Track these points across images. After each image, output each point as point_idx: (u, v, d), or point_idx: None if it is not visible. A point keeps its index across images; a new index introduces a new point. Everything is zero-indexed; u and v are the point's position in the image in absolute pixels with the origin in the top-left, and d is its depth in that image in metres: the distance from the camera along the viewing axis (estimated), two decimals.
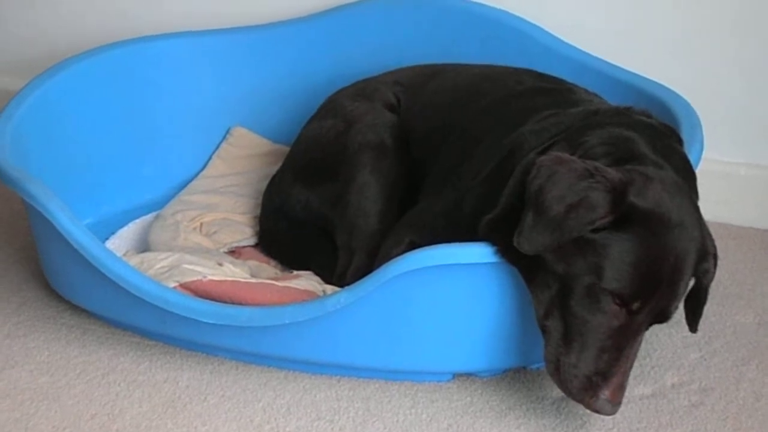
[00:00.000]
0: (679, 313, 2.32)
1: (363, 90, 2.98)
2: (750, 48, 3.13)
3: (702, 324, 2.41)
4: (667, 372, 2.57)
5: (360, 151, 2.79)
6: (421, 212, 2.68)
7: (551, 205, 2.19)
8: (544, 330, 2.28)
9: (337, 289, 2.63)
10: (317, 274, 2.79)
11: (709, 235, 2.32)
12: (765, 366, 2.59)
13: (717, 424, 2.41)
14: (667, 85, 2.93)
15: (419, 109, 2.88)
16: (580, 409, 2.39)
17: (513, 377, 2.55)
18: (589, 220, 2.17)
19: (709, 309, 2.40)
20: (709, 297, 2.35)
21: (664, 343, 2.66)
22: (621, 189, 2.18)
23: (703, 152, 2.65)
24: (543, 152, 2.35)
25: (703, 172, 2.49)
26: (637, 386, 2.50)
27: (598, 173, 2.19)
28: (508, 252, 2.29)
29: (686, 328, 2.41)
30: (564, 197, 2.18)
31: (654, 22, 3.20)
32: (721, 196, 3.05)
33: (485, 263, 2.33)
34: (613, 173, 2.20)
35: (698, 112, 2.77)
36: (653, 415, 2.43)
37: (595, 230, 2.19)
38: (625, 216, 2.18)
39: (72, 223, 2.52)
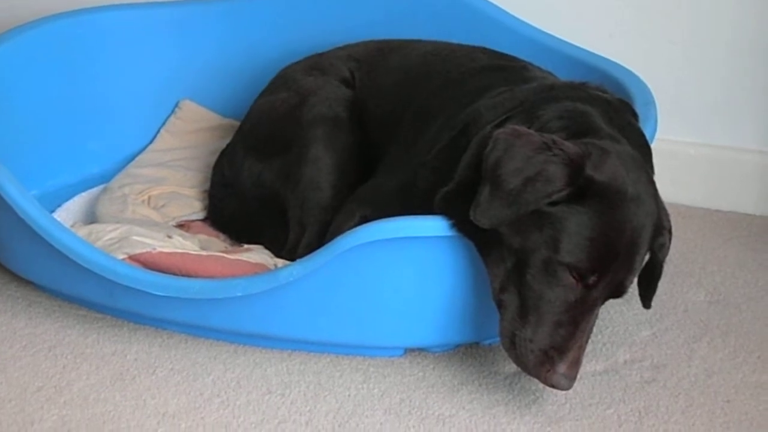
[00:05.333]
0: (631, 291, 2.31)
1: (317, 64, 2.95)
2: (700, 28, 3.15)
3: (653, 302, 2.42)
4: (620, 348, 2.57)
5: (314, 125, 2.76)
6: (374, 187, 2.66)
7: (508, 178, 2.18)
8: (500, 305, 2.26)
9: (288, 262, 2.60)
10: (268, 248, 2.77)
11: (665, 209, 2.32)
12: (716, 343, 2.60)
13: (669, 400, 2.41)
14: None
15: (374, 87, 2.86)
16: (533, 384, 2.39)
17: (465, 352, 2.54)
18: (546, 193, 2.16)
19: (660, 287, 2.40)
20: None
21: (615, 320, 2.66)
22: (578, 162, 2.17)
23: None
24: (499, 126, 2.34)
25: (653, 150, 2.48)
26: (590, 362, 2.50)
27: (555, 146, 2.18)
28: (463, 226, 2.27)
29: (638, 305, 2.43)
30: (521, 170, 2.17)
31: (606, 1, 3.20)
32: (671, 176, 3.06)
33: (439, 237, 2.31)
34: (570, 146, 2.19)
35: None
36: (606, 391, 2.43)
37: (552, 203, 2.18)
38: (582, 189, 2.17)
39: (19, 193, 2.49)
